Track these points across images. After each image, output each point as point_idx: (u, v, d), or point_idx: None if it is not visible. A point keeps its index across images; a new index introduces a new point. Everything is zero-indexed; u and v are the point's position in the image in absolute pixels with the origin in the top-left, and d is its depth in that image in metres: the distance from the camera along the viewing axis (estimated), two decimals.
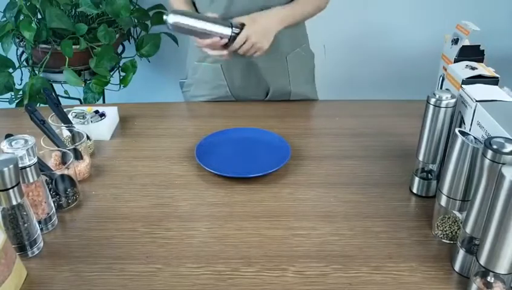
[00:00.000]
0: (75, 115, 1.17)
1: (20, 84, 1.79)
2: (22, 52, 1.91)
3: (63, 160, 0.99)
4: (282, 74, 1.36)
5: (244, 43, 1.17)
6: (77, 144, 1.03)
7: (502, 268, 0.68)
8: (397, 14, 2.17)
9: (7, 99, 1.74)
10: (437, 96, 0.87)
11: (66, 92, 1.95)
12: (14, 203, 0.78)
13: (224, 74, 1.36)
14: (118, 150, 1.16)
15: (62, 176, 0.93)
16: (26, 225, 0.81)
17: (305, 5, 1.28)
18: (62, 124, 1.10)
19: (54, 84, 1.90)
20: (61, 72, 1.79)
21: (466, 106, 0.86)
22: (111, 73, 1.93)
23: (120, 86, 1.95)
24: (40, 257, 0.83)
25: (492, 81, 0.93)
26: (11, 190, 0.77)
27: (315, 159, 1.10)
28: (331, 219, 0.91)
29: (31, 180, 0.84)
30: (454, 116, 0.90)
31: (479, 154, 0.73)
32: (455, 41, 1.10)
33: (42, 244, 0.85)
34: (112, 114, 1.23)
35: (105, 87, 1.89)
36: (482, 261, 0.70)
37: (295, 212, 0.93)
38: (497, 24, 2.09)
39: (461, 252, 0.77)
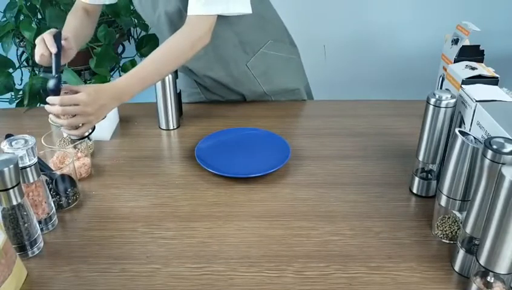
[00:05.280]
0: None
1: (20, 84, 1.79)
2: (22, 52, 1.90)
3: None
4: (248, 80, 1.33)
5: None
6: (77, 143, 1.03)
7: (501, 268, 0.69)
8: (398, 14, 2.17)
9: (7, 99, 1.74)
10: (437, 96, 0.87)
11: None
12: (15, 203, 0.78)
13: (196, 83, 1.38)
14: (118, 150, 1.16)
15: (62, 176, 0.93)
16: (26, 225, 0.81)
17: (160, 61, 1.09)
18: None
19: None
20: (61, 72, 1.79)
21: (466, 106, 0.86)
22: (111, 73, 1.92)
23: None
24: (40, 257, 0.83)
25: (492, 81, 0.93)
26: (11, 190, 0.77)
27: (315, 159, 1.10)
28: (331, 219, 0.91)
29: (31, 180, 0.84)
30: (454, 116, 0.90)
31: (479, 154, 0.73)
32: (455, 41, 1.10)
33: (42, 244, 0.85)
34: (112, 114, 1.23)
35: None
36: (482, 261, 0.70)
37: (295, 212, 0.93)
38: (497, 24, 2.09)
39: (461, 252, 0.78)
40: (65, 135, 1.06)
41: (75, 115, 0.97)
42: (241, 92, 1.36)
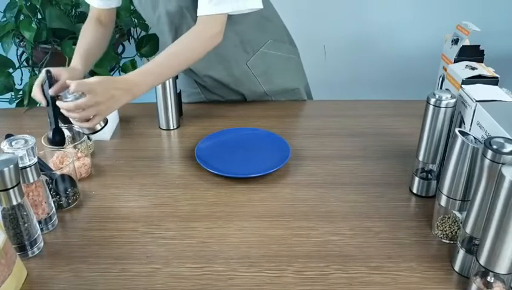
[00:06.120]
0: None
1: (20, 84, 1.79)
2: (22, 52, 1.90)
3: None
4: (248, 80, 1.33)
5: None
6: (76, 143, 1.03)
7: (502, 268, 0.69)
8: (398, 14, 2.17)
9: (7, 100, 1.74)
10: (437, 96, 0.87)
11: None
12: (15, 203, 0.78)
13: (196, 83, 1.38)
14: (118, 150, 1.16)
15: (62, 176, 0.93)
16: (26, 225, 0.81)
17: (176, 56, 1.09)
18: (62, 124, 1.10)
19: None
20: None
21: (466, 106, 0.86)
22: (111, 73, 1.92)
23: None
24: (40, 257, 0.83)
25: (492, 81, 0.93)
26: (11, 190, 0.77)
27: (314, 159, 1.10)
28: (331, 219, 0.91)
29: (31, 180, 0.84)
30: (454, 116, 0.90)
31: (479, 154, 0.73)
32: (455, 41, 1.10)
33: (42, 244, 0.85)
34: (112, 114, 1.23)
35: None
36: (482, 261, 0.70)
37: (295, 212, 0.93)
38: (497, 24, 2.09)
39: (461, 252, 0.78)
40: (77, 128, 1.06)
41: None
42: (242, 91, 1.36)
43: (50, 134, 0.98)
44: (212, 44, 1.11)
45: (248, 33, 1.27)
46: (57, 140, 0.96)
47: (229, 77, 1.32)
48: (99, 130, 1.03)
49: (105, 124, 1.04)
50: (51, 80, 1.02)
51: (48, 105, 1.01)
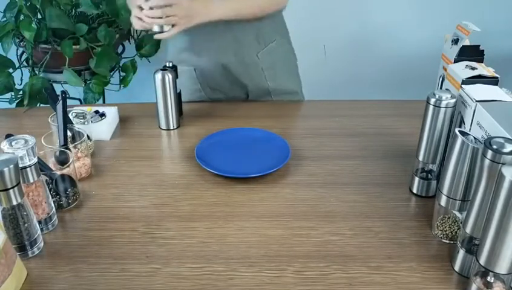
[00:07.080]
0: (76, 115, 1.18)
1: (20, 84, 1.79)
2: (22, 52, 1.91)
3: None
4: (256, 72, 1.36)
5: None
6: (76, 143, 1.03)
7: (501, 268, 0.69)
8: (398, 14, 2.18)
9: (7, 99, 1.74)
10: (437, 96, 0.87)
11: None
12: (15, 203, 0.78)
13: (198, 78, 1.38)
14: (118, 150, 1.16)
15: (62, 176, 0.93)
16: (26, 225, 0.81)
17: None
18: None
19: (54, 84, 1.90)
20: (61, 72, 1.79)
21: (466, 106, 0.86)
22: (111, 73, 1.93)
23: (120, 86, 1.94)
24: (40, 257, 0.83)
25: (492, 81, 0.93)
26: (11, 190, 0.77)
27: (315, 159, 1.10)
28: (331, 219, 0.91)
29: (31, 180, 0.84)
30: (454, 116, 0.90)
31: (479, 154, 0.73)
32: (455, 41, 1.10)
33: (42, 244, 0.85)
34: (112, 114, 1.23)
35: (105, 87, 1.89)
36: (482, 261, 0.70)
37: (295, 212, 0.93)
38: (497, 24, 2.09)
39: (461, 252, 0.78)
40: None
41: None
42: (246, 84, 1.36)
43: (58, 152, 1.00)
44: (279, 4, 1.29)
45: (264, 26, 1.31)
46: (63, 159, 0.99)
47: (238, 65, 1.33)
48: (165, 32, 1.18)
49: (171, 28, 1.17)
50: (65, 100, 1.05)
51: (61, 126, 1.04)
